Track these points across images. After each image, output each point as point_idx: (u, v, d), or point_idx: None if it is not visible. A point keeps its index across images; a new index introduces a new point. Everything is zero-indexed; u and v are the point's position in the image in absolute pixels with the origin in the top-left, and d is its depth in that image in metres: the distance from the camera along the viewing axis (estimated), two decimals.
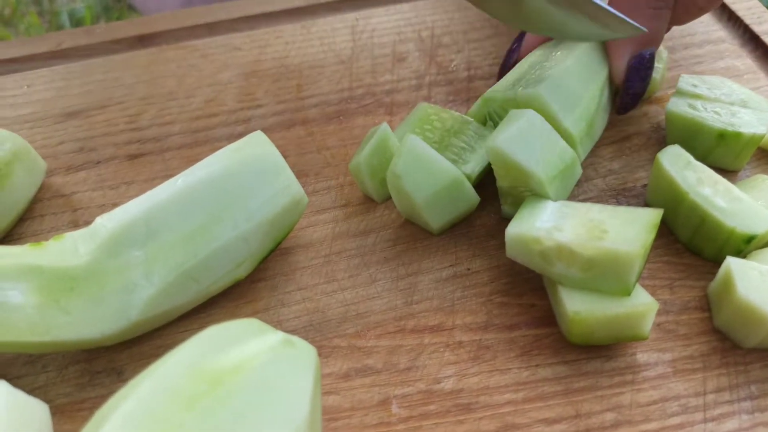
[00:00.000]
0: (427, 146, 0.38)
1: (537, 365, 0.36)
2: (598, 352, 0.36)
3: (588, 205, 0.37)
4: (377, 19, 0.57)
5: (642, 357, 0.36)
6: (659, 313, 0.38)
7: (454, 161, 0.41)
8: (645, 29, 0.39)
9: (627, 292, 0.35)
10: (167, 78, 0.53)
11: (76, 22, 1.50)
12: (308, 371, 0.29)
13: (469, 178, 0.41)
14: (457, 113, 0.44)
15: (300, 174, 0.45)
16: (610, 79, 0.44)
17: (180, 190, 0.35)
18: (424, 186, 0.38)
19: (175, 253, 0.35)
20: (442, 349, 0.37)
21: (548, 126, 0.38)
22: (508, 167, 0.38)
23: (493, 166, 0.39)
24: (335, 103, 0.50)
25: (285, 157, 0.46)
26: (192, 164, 0.39)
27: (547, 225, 0.35)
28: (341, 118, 0.49)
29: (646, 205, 0.43)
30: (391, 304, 0.39)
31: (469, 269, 0.40)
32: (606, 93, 0.44)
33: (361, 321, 0.38)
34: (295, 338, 0.31)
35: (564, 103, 0.40)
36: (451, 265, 0.41)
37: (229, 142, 0.47)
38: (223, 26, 0.57)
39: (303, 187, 0.45)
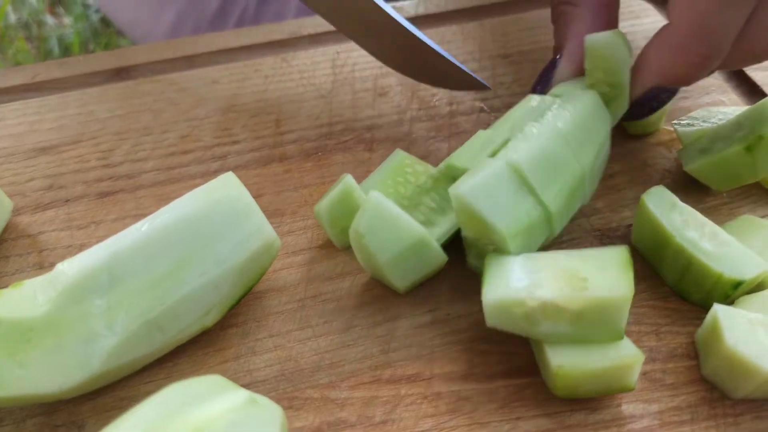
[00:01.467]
0: (391, 204, 0.36)
1: (518, 418, 0.35)
2: (583, 404, 0.35)
3: (551, 254, 0.35)
4: (359, 52, 0.56)
5: (628, 408, 0.35)
6: (646, 362, 0.36)
7: (422, 224, 0.39)
8: (489, 87, 0.47)
9: (620, 337, 0.33)
10: (143, 112, 0.52)
11: (65, 47, 1.49)
12: None
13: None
14: (431, 167, 0.42)
15: (276, 213, 0.44)
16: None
17: (145, 235, 0.34)
18: (389, 246, 0.36)
19: (139, 301, 0.33)
20: (419, 401, 0.35)
21: (517, 179, 0.36)
22: (470, 217, 0.36)
23: (456, 215, 0.37)
24: (314, 139, 0.49)
25: (261, 195, 0.45)
26: (164, 203, 0.38)
27: (524, 284, 0.34)
28: (320, 154, 0.48)
29: (632, 246, 0.42)
30: (367, 352, 0.37)
31: (449, 314, 0.39)
32: (606, 149, 0.41)
33: (335, 370, 0.37)
34: (259, 397, 0.29)
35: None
36: (430, 310, 0.39)
37: (204, 180, 0.46)
38: (203, 59, 0.56)
39: (278, 226, 0.43)
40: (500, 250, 0.36)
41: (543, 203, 0.36)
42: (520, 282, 0.34)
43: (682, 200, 0.39)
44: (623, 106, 0.42)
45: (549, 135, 0.37)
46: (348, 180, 0.39)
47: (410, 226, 0.37)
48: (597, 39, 0.40)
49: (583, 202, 0.40)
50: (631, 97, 0.42)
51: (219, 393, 0.28)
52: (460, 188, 0.35)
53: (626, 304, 0.32)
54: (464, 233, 0.38)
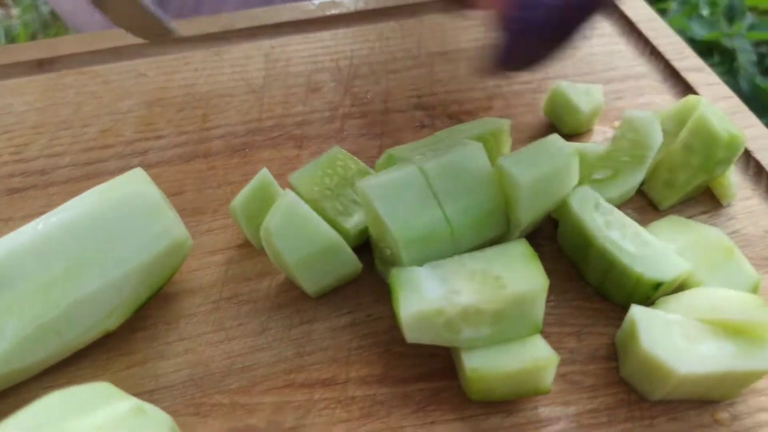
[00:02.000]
0: (305, 205, 0.35)
1: (433, 422, 0.34)
2: (499, 407, 0.34)
3: (455, 259, 0.34)
4: (294, 47, 0.55)
5: (544, 411, 0.34)
6: (565, 364, 0.36)
7: (339, 213, 0.38)
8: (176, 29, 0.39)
9: (538, 329, 0.33)
10: (63, 105, 0.49)
11: (12, 39, 1.45)
12: None
13: (347, 233, 0.38)
14: (364, 165, 0.41)
15: (196, 211, 0.43)
16: None
17: (40, 234, 0.32)
18: (298, 247, 0.35)
19: (33, 305, 0.32)
20: (332, 406, 0.34)
21: (428, 189, 0.35)
22: (373, 215, 0.35)
23: (363, 210, 0.36)
24: (242, 135, 0.47)
25: (181, 192, 0.44)
26: None
27: (440, 293, 0.33)
28: (247, 150, 0.46)
29: (560, 247, 0.41)
30: (281, 355, 0.36)
31: (369, 316, 0.38)
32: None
33: (246, 374, 0.35)
34: (149, 406, 0.28)
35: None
36: (349, 312, 0.38)
37: None
38: (131, 51, 0.54)
39: (197, 225, 0.42)
40: (396, 257, 0.35)
41: (447, 217, 0.35)
42: (435, 292, 0.33)
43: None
44: (634, 180, 0.41)
45: (465, 151, 0.36)
46: (264, 174, 0.38)
47: (322, 228, 0.35)
48: (638, 114, 0.41)
49: (500, 230, 0.37)
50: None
51: (104, 402, 0.27)
52: (366, 183, 0.34)
53: (543, 294, 0.32)
54: (370, 231, 0.37)
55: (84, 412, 0.26)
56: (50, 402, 0.26)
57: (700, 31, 1.19)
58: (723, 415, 0.34)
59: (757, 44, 1.20)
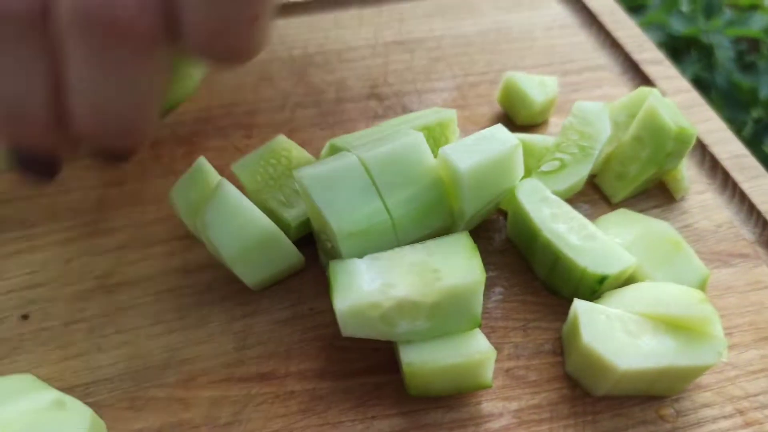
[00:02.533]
0: (241, 196, 0.34)
1: (373, 417, 0.33)
2: (441, 402, 0.34)
3: (396, 251, 0.34)
4: None
5: (486, 407, 0.34)
6: (509, 358, 0.35)
7: (281, 203, 0.37)
8: None
9: (477, 323, 0.33)
10: None
11: None
12: None
13: (288, 225, 0.37)
14: (309, 154, 0.40)
15: (138, 202, 0.42)
16: None
17: None
18: (234, 239, 0.34)
19: None
20: (270, 401, 0.33)
21: (368, 179, 0.34)
22: (311, 205, 0.34)
23: (303, 200, 0.35)
24: (189, 124, 0.46)
25: (122, 182, 0.43)
26: (20, 189, 0.35)
27: (376, 285, 0.32)
28: (194, 139, 0.45)
29: (508, 239, 0.41)
30: (221, 348, 0.35)
31: (311, 309, 0.37)
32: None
33: (185, 368, 0.34)
34: (70, 399, 0.27)
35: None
36: (292, 305, 0.37)
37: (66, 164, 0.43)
38: None
39: (141, 216, 0.41)
40: (335, 249, 0.34)
41: (387, 209, 0.34)
42: (371, 284, 0.32)
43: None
44: (581, 172, 0.40)
45: (406, 141, 0.35)
46: (201, 163, 0.37)
47: (259, 220, 0.35)
48: (587, 105, 0.41)
49: (443, 222, 0.36)
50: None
51: (24, 393, 0.26)
52: (304, 172, 0.33)
53: (480, 288, 0.32)
54: (312, 223, 0.36)
55: (3, 402, 0.25)
56: None
57: (679, 27, 1.19)
58: (667, 411, 0.34)
59: (736, 41, 1.21)
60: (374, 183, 0.34)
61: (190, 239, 0.40)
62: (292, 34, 0.54)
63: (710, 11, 1.24)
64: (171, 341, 0.35)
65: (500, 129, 0.36)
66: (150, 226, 0.40)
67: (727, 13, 1.23)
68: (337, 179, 0.33)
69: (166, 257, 0.39)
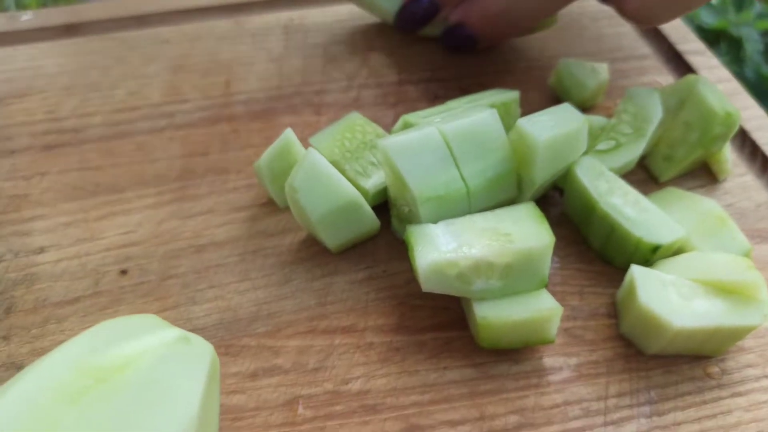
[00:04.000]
0: (327, 163, 0.38)
1: (445, 367, 0.36)
2: (506, 355, 0.37)
3: (467, 218, 0.37)
4: (311, 19, 0.57)
5: (548, 361, 0.37)
6: (567, 319, 0.39)
7: (359, 174, 0.41)
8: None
9: (544, 284, 0.36)
10: (92, 69, 0.52)
11: (22, 5, 1.45)
12: (201, 370, 0.28)
13: (366, 193, 0.40)
14: (381, 129, 0.43)
15: (221, 171, 0.45)
16: None
17: None
18: (320, 203, 0.37)
19: None
20: (352, 351, 0.37)
21: (446, 150, 0.37)
22: (393, 173, 0.37)
23: (383, 168, 0.39)
24: (263, 101, 0.50)
25: (207, 153, 0.46)
26: (110, 158, 0.38)
27: (453, 246, 0.35)
28: (268, 116, 0.49)
29: (564, 213, 0.44)
30: (304, 304, 0.39)
31: (385, 271, 0.40)
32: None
33: (272, 321, 0.38)
34: (192, 335, 0.30)
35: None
36: (367, 267, 0.40)
37: (151, 136, 0.47)
38: (154, 19, 0.56)
39: (224, 184, 0.44)
40: (413, 214, 0.37)
41: (463, 177, 0.37)
42: (449, 245, 0.35)
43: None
44: (635, 151, 0.43)
45: (482, 116, 0.38)
46: (288, 134, 0.40)
47: (344, 186, 0.38)
48: (641, 90, 0.45)
49: (511, 193, 0.40)
50: None
51: (150, 330, 0.29)
52: (387, 141, 0.36)
53: (549, 251, 0.35)
54: (389, 190, 0.40)
55: (132, 338, 0.28)
56: (98, 330, 0.29)
57: (709, 19, 1.21)
58: (714, 369, 0.37)
59: (765, 33, 1.23)
60: (452, 153, 0.37)
61: (270, 206, 0.43)
62: (353, 20, 0.57)
63: (740, 4, 1.26)
64: (258, 297, 0.39)
65: (568, 107, 0.39)
66: (232, 193, 0.44)
67: (757, 6, 1.24)
68: (419, 148, 0.36)
69: (250, 221, 0.42)
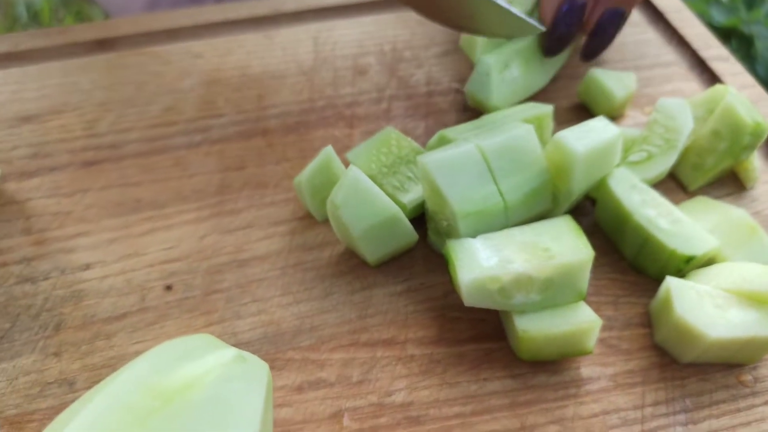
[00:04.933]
0: (368, 180, 0.39)
1: (485, 379, 0.37)
2: (545, 366, 0.38)
3: (506, 232, 0.38)
4: (340, 31, 0.57)
5: (586, 371, 0.38)
6: (603, 329, 0.39)
7: (396, 188, 0.42)
8: (542, 28, 0.44)
9: (582, 297, 0.37)
10: (126, 84, 0.52)
11: (34, 14, 1.47)
12: (260, 387, 0.29)
13: (404, 207, 0.41)
14: (416, 144, 0.44)
15: (259, 185, 0.46)
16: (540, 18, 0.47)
17: None
18: (362, 219, 0.38)
19: None
20: (394, 363, 0.38)
21: (484, 165, 0.38)
22: (432, 188, 0.38)
23: (422, 184, 0.40)
24: (296, 114, 0.51)
25: (244, 167, 0.47)
26: (149, 174, 0.38)
27: (494, 261, 0.36)
28: (301, 129, 0.50)
29: (595, 223, 0.45)
30: (345, 317, 0.40)
31: (422, 284, 0.41)
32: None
33: (315, 334, 0.39)
34: (247, 354, 0.31)
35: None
36: (405, 280, 0.41)
37: (188, 151, 0.48)
38: (185, 33, 0.57)
39: (262, 198, 0.45)
40: (452, 228, 0.38)
41: (501, 192, 0.38)
42: (490, 260, 0.36)
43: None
44: (667, 162, 0.44)
45: (519, 131, 0.39)
46: (329, 151, 0.41)
47: (384, 202, 0.39)
48: (671, 101, 0.45)
49: (547, 206, 0.41)
50: (545, 20, 0.46)
51: (208, 350, 0.30)
52: (427, 158, 0.37)
53: (588, 264, 0.36)
54: (427, 204, 0.41)
55: (192, 359, 0.29)
56: (162, 350, 0.30)
57: (719, 17, 1.21)
58: (746, 377, 0.38)
59: None
60: (490, 169, 0.38)
61: (308, 219, 0.44)
62: (380, 31, 0.57)
63: (751, 2, 1.26)
64: (300, 310, 0.40)
65: (603, 120, 0.40)
66: (271, 207, 0.45)
67: None
68: (458, 164, 0.37)
69: (289, 235, 0.43)
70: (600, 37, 0.47)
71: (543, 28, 0.44)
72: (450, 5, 0.43)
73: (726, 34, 1.23)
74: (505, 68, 0.48)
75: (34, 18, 1.48)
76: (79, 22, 1.37)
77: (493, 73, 0.47)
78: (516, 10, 0.42)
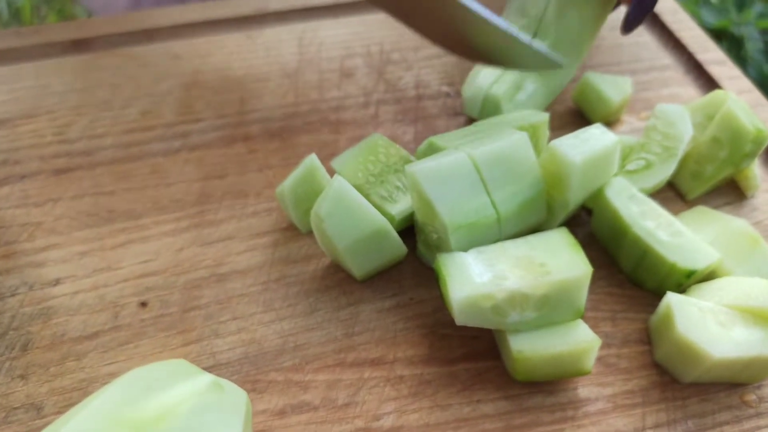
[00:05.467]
0: (354, 190, 0.37)
1: (478, 400, 0.35)
2: (541, 386, 0.36)
3: (499, 246, 0.36)
4: (325, 32, 0.55)
5: (583, 392, 0.36)
6: (601, 347, 0.38)
7: (384, 199, 0.40)
8: (562, 63, 0.41)
9: (580, 314, 0.35)
10: (101, 87, 0.50)
11: (15, 11, 1.43)
12: (237, 419, 0.27)
13: (392, 219, 0.39)
14: (404, 151, 0.42)
15: (240, 194, 0.44)
16: None
17: None
18: (348, 232, 0.36)
19: None
20: (382, 384, 0.36)
21: (476, 175, 0.36)
22: (421, 199, 0.36)
23: (410, 194, 0.38)
24: (279, 120, 0.48)
25: (224, 175, 0.45)
26: (124, 181, 0.36)
27: (487, 277, 0.34)
28: (285, 135, 0.47)
29: (591, 233, 0.43)
30: (331, 335, 0.37)
31: (412, 299, 0.39)
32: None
33: (299, 353, 0.37)
34: (223, 381, 0.29)
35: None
36: (394, 295, 0.39)
37: (165, 158, 0.45)
38: (164, 33, 0.55)
39: (243, 208, 0.43)
40: (443, 241, 0.36)
41: (494, 203, 0.36)
42: (483, 276, 0.34)
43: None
44: (666, 171, 0.42)
45: (512, 139, 0.37)
46: (312, 160, 0.39)
47: (371, 214, 0.37)
48: (669, 108, 0.43)
49: (542, 217, 0.39)
50: None
51: (182, 377, 0.28)
52: (416, 167, 0.35)
53: (586, 281, 0.34)
54: (416, 216, 0.39)
55: (165, 387, 0.27)
56: (133, 378, 0.28)
57: (710, 19, 1.21)
58: (750, 397, 0.36)
59: (766, 32, 1.22)
60: (482, 178, 0.36)
61: (292, 231, 0.42)
62: (368, 32, 0.55)
63: (741, 4, 1.26)
64: (283, 328, 0.38)
65: (600, 127, 0.38)
66: (252, 217, 0.42)
67: (758, 6, 1.24)
68: (448, 174, 0.35)
69: (272, 248, 0.41)
70: (642, 4, 0.45)
71: (563, 63, 0.42)
72: (473, 42, 0.41)
73: (716, 36, 1.23)
74: (517, 91, 0.45)
75: (15, 16, 1.45)
76: (61, 21, 1.34)
77: (503, 104, 0.45)
78: (539, 45, 0.40)
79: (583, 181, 0.37)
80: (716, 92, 0.45)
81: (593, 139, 0.38)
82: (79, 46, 0.53)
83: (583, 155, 0.36)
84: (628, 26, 0.45)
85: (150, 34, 0.55)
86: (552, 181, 0.38)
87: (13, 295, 0.39)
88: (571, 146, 0.37)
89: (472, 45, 0.42)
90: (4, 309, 0.38)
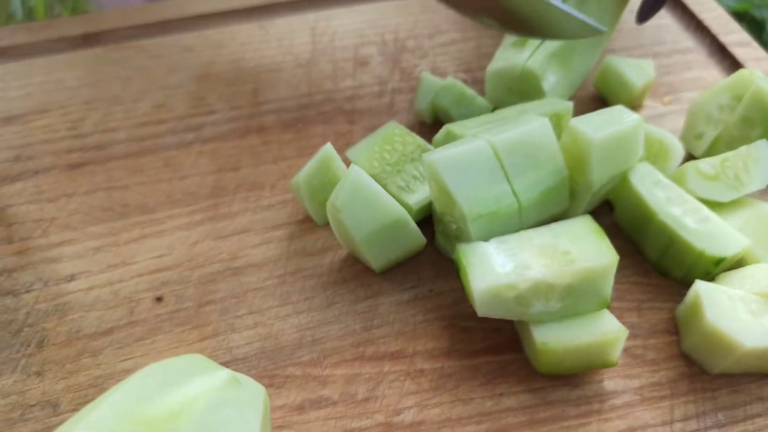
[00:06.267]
0: (371, 180, 0.36)
1: (501, 394, 0.34)
2: (565, 379, 0.35)
3: (522, 234, 0.35)
4: (339, 20, 0.54)
5: (609, 384, 0.35)
6: (627, 337, 0.36)
7: (401, 189, 0.39)
8: (604, 29, 0.39)
9: (606, 304, 0.34)
10: (113, 80, 0.50)
11: (29, 10, 1.43)
12: (255, 414, 0.27)
13: (410, 209, 0.38)
14: (422, 140, 0.41)
15: (254, 186, 0.43)
16: None
17: None
18: (365, 222, 0.35)
19: None
20: (402, 378, 0.35)
21: (496, 163, 0.35)
22: (439, 188, 0.35)
23: (428, 183, 0.37)
24: (293, 110, 0.48)
25: (238, 167, 0.44)
26: (137, 175, 0.36)
27: (509, 267, 0.33)
28: (299, 126, 0.47)
29: (615, 223, 0.42)
30: (349, 328, 0.37)
31: (431, 290, 0.38)
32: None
33: (317, 347, 0.36)
34: (241, 376, 0.28)
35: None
36: (413, 286, 0.39)
37: (179, 151, 0.45)
38: (174, 25, 0.54)
39: (258, 200, 0.42)
40: (462, 231, 0.35)
41: (515, 192, 0.35)
42: (505, 266, 0.33)
43: None
44: (722, 195, 0.40)
45: (533, 125, 0.36)
46: (328, 150, 0.38)
47: (388, 204, 0.36)
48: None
49: (564, 206, 0.38)
50: None
51: (199, 373, 0.28)
52: (434, 155, 0.34)
53: (612, 269, 0.33)
54: (434, 205, 0.38)
55: (181, 383, 0.27)
56: (148, 374, 0.27)
57: (730, 2, 1.18)
58: None
59: None
60: (502, 166, 0.35)
61: (308, 222, 0.41)
62: (382, 19, 0.54)
63: None
64: (300, 322, 0.37)
65: (622, 108, 0.37)
66: (267, 210, 0.42)
67: None
68: (468, 162, 0.34)
69: (287, 240, 0.40)
70: None
71: (605, 29, 0.40)
72: (514, 11, 0.40)
73: (737, 19, 1.20)
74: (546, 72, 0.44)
75: (30, 14, 1.45)
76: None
77: (540, 79, 0.43)
78: (577, 13, 0.39)
79: (604, 161, 0.36)
80: (741, 71, 0.43)
81: (614, 118, 0.36)
82: (89, 40, 0.53)
83: (603, 132, 0.35)
84: (643, 15, 0.44)
85: (161, 27, 0.54)
86: (574, 164, 0.37)
87: (28, 292, 0.38)
88: (590, 124, 0.36)
89: (512, 13, 0.40)
90: (19, 306, 0.38)
